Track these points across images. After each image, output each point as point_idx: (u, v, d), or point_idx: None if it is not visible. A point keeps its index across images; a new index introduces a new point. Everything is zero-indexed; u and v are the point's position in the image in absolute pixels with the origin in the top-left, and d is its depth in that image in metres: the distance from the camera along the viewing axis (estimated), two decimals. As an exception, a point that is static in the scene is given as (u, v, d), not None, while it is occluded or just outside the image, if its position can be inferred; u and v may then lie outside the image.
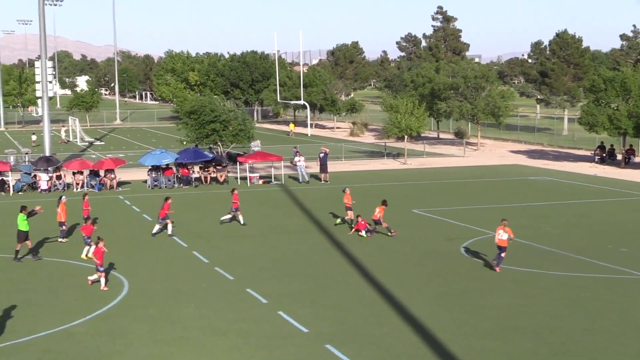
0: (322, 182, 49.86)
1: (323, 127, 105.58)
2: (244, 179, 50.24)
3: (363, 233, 32.29)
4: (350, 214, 34.25)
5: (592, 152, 62.29)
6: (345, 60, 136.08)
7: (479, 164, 60.03)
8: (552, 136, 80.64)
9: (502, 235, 26.39)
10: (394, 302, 22.91)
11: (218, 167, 50.51)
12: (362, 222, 32.57)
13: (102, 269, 24.67)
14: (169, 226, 32.65)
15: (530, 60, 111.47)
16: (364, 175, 53.48)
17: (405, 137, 61.70)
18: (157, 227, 32.98)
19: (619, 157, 59.59)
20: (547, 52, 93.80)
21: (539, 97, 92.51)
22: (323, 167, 50.60)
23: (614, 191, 45.23)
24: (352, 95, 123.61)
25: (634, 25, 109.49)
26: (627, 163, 58.12)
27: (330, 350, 19.00)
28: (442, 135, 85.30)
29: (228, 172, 51.49)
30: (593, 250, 29.64)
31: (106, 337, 20.12)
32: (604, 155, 60.55)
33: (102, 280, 24.65)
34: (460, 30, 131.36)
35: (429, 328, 20.59)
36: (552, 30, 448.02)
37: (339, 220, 34.84)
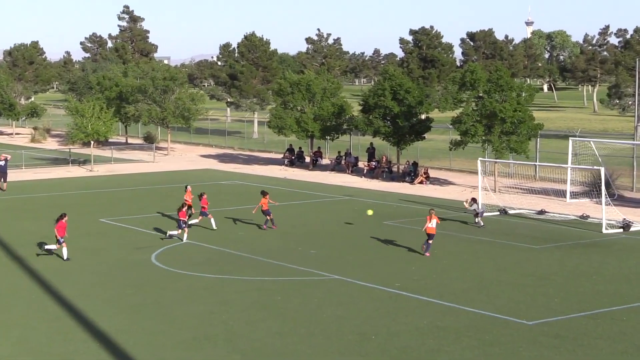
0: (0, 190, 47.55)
1: (1, 133, 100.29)
2: None
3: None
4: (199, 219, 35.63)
5: (282, 155, 64.77)
6: (24, 61, 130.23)
7: (170, 169, 60.18)
8: (242, 139, 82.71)
9: (431, 224, 30.16)
10: (81, 317, 22.33)
11: None
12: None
13: None
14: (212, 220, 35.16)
15: (219, 63, 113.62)
16: (48, 184, 51.57)
17: (92, 142, 60.32)
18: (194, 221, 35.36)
19: (307, 159, 62.54)
20: (236, 54, 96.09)
21: (229, 100, 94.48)
22: (3, 175, 48.42)
23: (303, 193, 47.42)
24: (32, 98, 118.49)
25: (319, 29, 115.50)
26: (315, 165, 61.18)
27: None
28: (130, 140, 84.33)
29: None
30: (284, 253, 30.85)
31: None
32: (293, 157, 63.27)
33: None
34: (148, 31, 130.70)
35: (120, 342, 20.29)
36: (240, 32, 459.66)
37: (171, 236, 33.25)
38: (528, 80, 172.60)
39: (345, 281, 26.52)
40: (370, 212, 36.83)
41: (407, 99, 52.65)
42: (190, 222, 35.05)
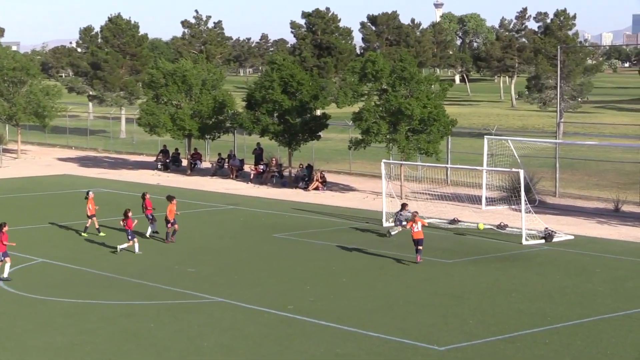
0: None
1: None
2: None
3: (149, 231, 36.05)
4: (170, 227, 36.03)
5: (155, 158, 64.23)
6: None
7: (21, 175, 59.00)
8: (108, 140, 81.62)
9: (417, 227, 31.44)
10: None
11: None
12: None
13: None
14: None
15: (79, 50, 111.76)
16: None
17: None
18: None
19: (185, 162, 62.17)
20: (99, 39, 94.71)
21: (91, 93, 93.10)
22: None
23: (180, 202, 47.04)
24: None
25: (197, 11, 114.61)
26: (193, 169, 60.87)
27: None
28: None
29: None
30: (158, 273, 30.64)
31: None
32: (168, 160, 62.80)
33: None
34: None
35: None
36: (104, 14, 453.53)
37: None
38: (437, 70, 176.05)
39: (229, 304, 26.47)
40: (481, 227, 37.62)
41: (300, 92, 52.98)
42: (150, 231, 37.07)
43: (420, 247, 31.94)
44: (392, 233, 37.38)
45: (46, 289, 28.32)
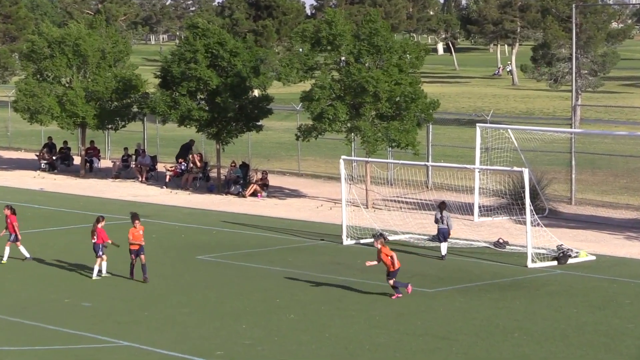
0: None
1: None
2: None
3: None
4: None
5: (37, 155, 63.68)
6: None
7: None
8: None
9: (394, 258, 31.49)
10: None
11: None
12: None
13: None
14: None
15: None
16: None
17: None
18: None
19: (77, 160, 61.67)
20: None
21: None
22: None
23: (71, 214, 46.79)
24: None
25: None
26: (90, 169, 60.43)
27: None
28: None
29: None
30: (43, 308, 30.52)
31: None
32: (55, 158, 62.25)
33: None
34: None
35: None
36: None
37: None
38: (414, 36, 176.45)
39: (139, 349, 26.36)
40: (584, 255, 37.32)
41: (233, 65, 52.80)
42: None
43: (391, 283, 31.85)
44: (443, 253, 37.43)
45: None
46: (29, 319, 29.31)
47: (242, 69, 52.78)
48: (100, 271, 34.62)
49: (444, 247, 37.61)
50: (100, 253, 34.51)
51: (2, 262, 36.91)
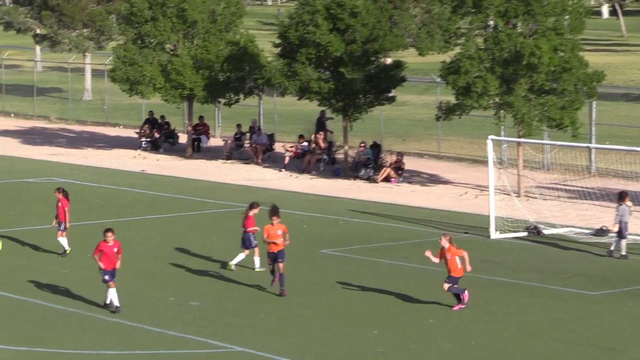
0: None
1: None
2: None
3: None
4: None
5: (137, 132, 64.29)
6: None
7: None
8: (65, 103, 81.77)
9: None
10: None
11: None
12: None
13: None
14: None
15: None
16: None
17: None
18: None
19: (184, 138, 62.22)
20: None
21: (39, 32, 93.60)
22: None
23: (177, 200, 47.24)
24: None
25: None
26: (197, 149, 60.91)
27: None
28: None
29: None
30: (145, 307, 30.96)
31: None
32: (158, 136, 62.71)
33: None
34: None
35: None
36: None
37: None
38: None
39: (254, 356, 26.57)
40: None
41: (359, 29, 52.71)
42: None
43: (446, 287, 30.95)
44: (623, 253, 37.07)
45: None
46: (128, 320, 29.66)
47: (368, 33, 52.35)
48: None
49: (623, 244, 37.18)
50: (255, 243, 34.83)
51: (67, 251, 37.29)
